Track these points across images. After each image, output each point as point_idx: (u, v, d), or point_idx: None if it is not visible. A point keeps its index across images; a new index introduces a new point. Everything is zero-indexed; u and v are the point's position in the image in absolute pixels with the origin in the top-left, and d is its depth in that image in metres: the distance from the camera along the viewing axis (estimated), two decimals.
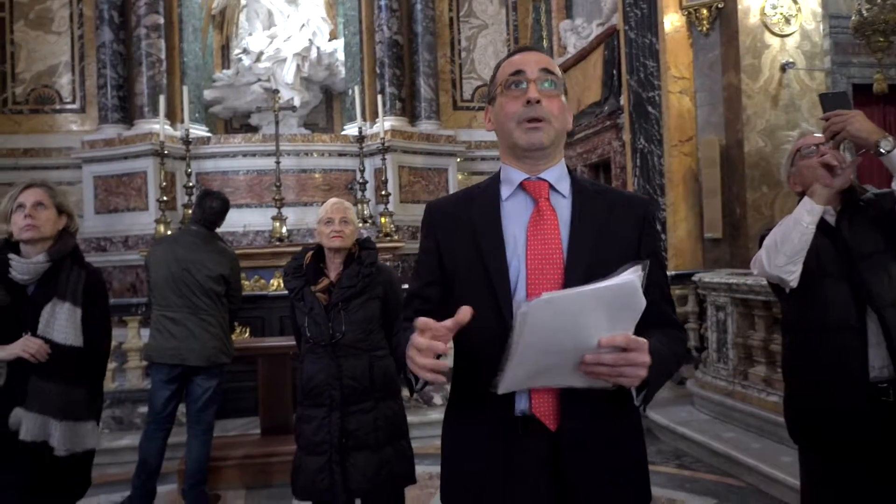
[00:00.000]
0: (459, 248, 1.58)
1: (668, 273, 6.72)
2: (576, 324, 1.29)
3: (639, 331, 1.40)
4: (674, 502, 4.18)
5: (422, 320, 1.37)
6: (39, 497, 2.45)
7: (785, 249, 2.24)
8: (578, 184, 1.61)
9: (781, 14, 6.61)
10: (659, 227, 1.67)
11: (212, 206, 4.36)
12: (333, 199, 3.02)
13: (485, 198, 1.61)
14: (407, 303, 1.69)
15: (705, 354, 5.93)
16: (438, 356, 1.37)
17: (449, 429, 1.66)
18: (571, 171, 1.64)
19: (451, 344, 1.41)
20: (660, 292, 1.57)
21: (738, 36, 6.56)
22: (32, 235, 2.45)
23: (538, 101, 1.52)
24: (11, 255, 2.46)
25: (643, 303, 1.32)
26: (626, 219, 1.57)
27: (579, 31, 9.24)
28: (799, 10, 6.65)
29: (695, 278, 6.08)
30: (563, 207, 1.56)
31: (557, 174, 1.59)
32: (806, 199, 2.25)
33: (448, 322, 1.36)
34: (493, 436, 1.52)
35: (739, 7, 6.56)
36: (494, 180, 1.64)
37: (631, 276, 1.30)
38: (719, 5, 6.74)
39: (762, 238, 2.42)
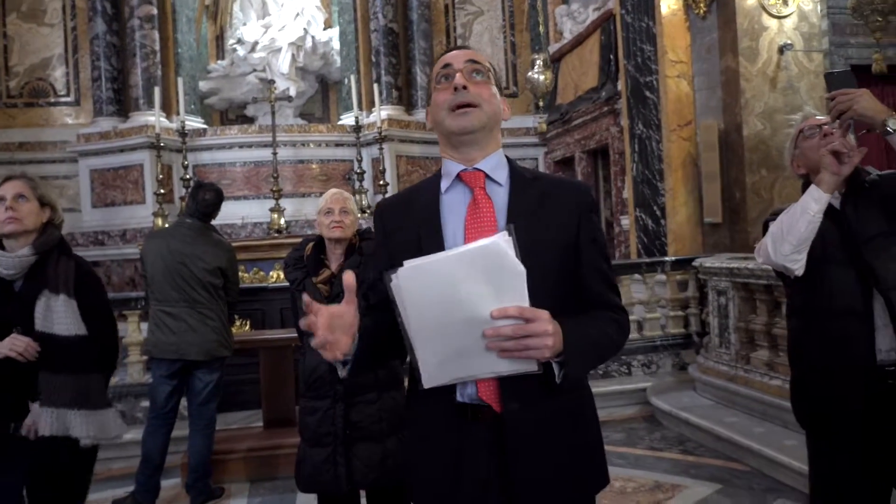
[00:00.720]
0: (403, 242, 1.62)
1: (668, 258, 6.74)
2: (456, 293, 1.31)
3: (576, 314, 1.50)
4: (678, 488, 4.18)
5: (304, 297, 1.44)
6: (42, 496, 2.43)
7: (790, 238, 2.22)
8: (515, 172, 1.64)
9: None
10: (598, 217, 1.68)
11: (205, 198, 4.34)
12: (333, 190, 2.99)
13: (427, 192, 1.67)
14: (364, 295, 1.73)
15: (707, 339, 5.92)
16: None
17: (408, 425, 1.74)
18: (510, 161, 1.68)
19: None
20: (600, 276, 1.62)
21: (735, 18, 6.50)
22: (15, 228, 2.39)
23: (465, 87, 1.57)
24: None
25: (520, 269, 1.33)
26: (562, 204, 1.60)
27: (575, 15, 9.19)
28: None
29: (695, 263, 6.07)
30: (499, 196, 1.59)
31: (493, 163, 1.63)
32: (812, 187, 2.22)
33: (339, 306, 1.44)
34: (443, 425, 1.57)
35: None
36: (437, 175, 1.69)
37: (494, 238, 1.31)
38: None
39: (766, 224, 2.40)
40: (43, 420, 2.34)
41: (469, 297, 1.31)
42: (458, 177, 1.62)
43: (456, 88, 1.57)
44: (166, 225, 7.76)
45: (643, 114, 7.35)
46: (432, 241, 1.56)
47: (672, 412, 5.39)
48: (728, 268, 5.37)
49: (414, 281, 1.32)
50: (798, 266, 2.24)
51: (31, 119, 9.53)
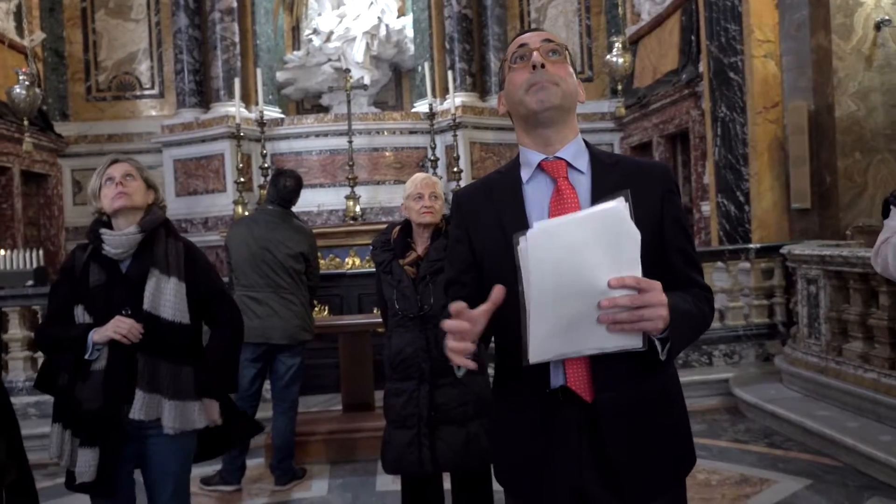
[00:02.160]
0: (486, 233, 1.62)
1: (753, 246, 6.51)
2: (579, 258, 1.29)
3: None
4: (766, 482, 4.04)
5: (455, 304, 1.41)
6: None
7: None
8: (596, 158, 1.62)
9: None
10: (681, 197, 1.62)
11: (286, 184, 4.42)
12: (421, 175, 3.00)
13: (506, 182, 1.65)
14: (445, 291, 1.73)
15: (794, 329, 5.70)
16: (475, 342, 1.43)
17: (495, 409, 1.75)
18: (590, 146, 1.65)
19: None
20: (683, 257, 1.61)
21: None
22: (124, 203, 2.42)
23: (542, 66, 1.55)
24: (104, 230, 2.44)
25: (636, 234, 1.31)
26: (645, 187, 1.57)
27: None
28: None
29: (783, 251, 5.83)
30: (582, 184, 1.58)
31: (574, 151, 1.60)
32: None
33: (484, 305, 1.42)
34: (532, 410, 1.58)
35: None
36: (514, 164, 1.67)
37: (614, 203, 1.31)
38: None
39: (886, 204, 2.25)
40: (136, 403, 2.35)
41: (590, 263, 1.30)
42: (540, 166, 1.60)
43: (535, 67, 1.55)
44: (246, 213, 7.96)
45: (727, 96, 7.10)
46: (518, 230, 1.53)
47: (758, 404, 5.21)
48: (820, 255, 5.14)
49: (542, 243, 1.30)
50: None
51: (118, 112, 9.92)
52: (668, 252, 1.59)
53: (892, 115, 6.19)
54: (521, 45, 1.60)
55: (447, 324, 1.41)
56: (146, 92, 9.99)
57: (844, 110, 6.18)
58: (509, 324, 1.50)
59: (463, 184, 8.66)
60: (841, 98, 6.17)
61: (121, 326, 2.34)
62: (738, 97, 6.97)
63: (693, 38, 7.84)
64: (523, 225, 1.53)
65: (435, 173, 8.58)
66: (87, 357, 2.38)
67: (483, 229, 1.63)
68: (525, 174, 1.61)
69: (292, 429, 4.42)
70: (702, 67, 7.52)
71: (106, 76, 9.92)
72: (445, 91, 8.95)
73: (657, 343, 1.44)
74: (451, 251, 1.75)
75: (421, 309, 2.84)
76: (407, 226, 2.96)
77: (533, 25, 10.29)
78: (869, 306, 4.79)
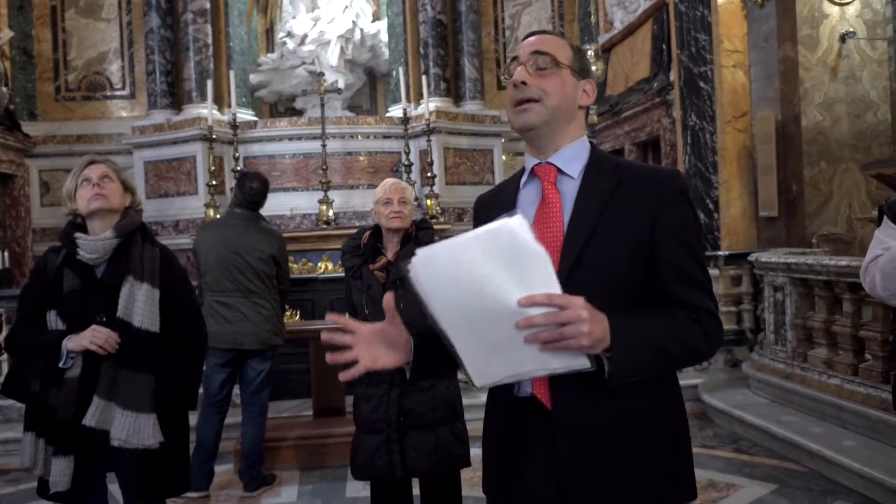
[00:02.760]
0: None
1: (722, 253, 6.59)
2: (476, 280, 1.24)
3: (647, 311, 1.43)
4: (733, 487, 4.10)
5: (343, 320, 1.55)
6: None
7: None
8: (594, 162, 1.57)
9: None
10: (691, 206, 1.58)
11: (252, 186, 4.36)
12: (391, 180, 3.01)
13: (509, 186, 1.66)
14: None
15: (761, 336, 5.79)
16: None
17: (486, 413, 1.70)
18: (594, 150, 1.60)
19: None
20: (675, 273, 1.48)
21: (794, 6, 6.31)
22: (101, 205, 2.37)
23: (523, 83, 1.52)
24: (78, 234, 2.38)
25: (540, 251, 1.23)
26: (637, 195, 1.50)
27: (626, 5, 9.03)
28: None
29: (751, 258, 5.93)
30: (570, 190, 1.54)
31: (568, 156, 1.57)
32: None
33: (376, 326, 1.50)
34: (503, 416, 1.57)
35: None
36: (523, 168, 1.66)
37: (503, 220, 1.23)
38: None
39: (881, 211, 2.24)
40: (90, 409, 2.28)
41: (489, 283, 1.24)
42: (533, 171, 1.59)
43: (515, 85, 1.53)
44: (218, 216, 7.89)
45: (697, 105, 7.20)
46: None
47: (725, 410, 5.28)
48: (786, 263, 5.23)
49: (429, 268, 1.26)
50: None
51: (88, 112, 9.77)
52: (660, 269, 1.48)
53: (856, 125, 6.33)
54: (514, 58, 1.58)
55: (325, 336, 1.53)
56: (117, 92, 9.86)
57: (810, 120, 6.30)
58: None
59: (437, 189, 8.69)
60: (807, 108, 6.30)
61: (97, 336, 2.28)
62: (707, 106, 7.07)
63: (664, 47, 7.94)
64: None
65: (409, 178, 8.58)
66: (60, 365, 2.32)
67: None
68: (523, 179, 1.62)
69: (262, 434, 4.39)
70: (673, 76, 7.62)
71: (76, 76, 9.77)
72: (420, 96, 8.96)
73: (605, 362, 1.34)
74: None
75: None
76: (377, 231, 2.96)
77: (507, 32, 10.35)
78: (833, 313, 4.88)
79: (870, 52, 6.39)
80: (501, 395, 1.56)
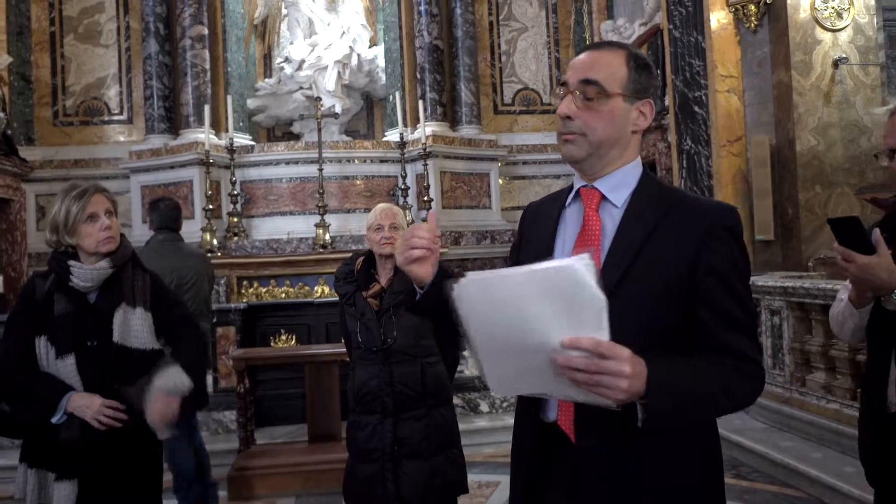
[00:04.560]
0: (531, 247, 1.60)
1: None
2: (520, 313, 1.21)
3: (686, 356, 1.38)
4: None
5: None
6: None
7: (844, 334, 2.31)
8: (641, 191, 1.51)
9: (833, 8, 6.42)
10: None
11: (168, 205, 4.33)
12: (383, 205, 2.98)
13: (556, 202, 1.62)
14: None
15: None
16: None
17: (514, 434, 1.65)
18: (645, 176, 1.53)
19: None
20: (715, 315, 1.41)
21: (787, 32, 6.38)
22: (112, 248, 2.38)
23: (568, 117, 1.48)
24: (72, 262, 2.36)
25: (599, 297, 1.19)
26: (680, 231, 1.44)
27: (621, 31, 9.11)
28: (851, 3, 6.44)
29: None
30: (612, 218, 1.49)
31: (614, 182, 1.51)
32: (847, 303, 2.21)
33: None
34: (531, 441, 1.50)
35: (789, 2, 6.37)
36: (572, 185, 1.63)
37: (571, 261, 1.19)
38: (767, 1, 6.57)
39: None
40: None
41: (539, 319, 1.21)
42: (578, 192, 1.55)
43: (560, 117, 1.49)
44: (215, 241, 7.90)
45: (692, 129, 7.24)
46: (542, 255, 1.49)
47: (723, 434, 5.18)
48: (782, 287, 5.22)
49: (477, 294, 1.23)
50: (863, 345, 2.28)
51: (85, 137, 9.79)
52: (699, 310, 1.41)
53: (850, 149, 6.36)
54: (563, 83, 1.52)
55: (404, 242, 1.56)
56: (114, 117, 9.89)
57: (805, 145, 6.33)
58: None
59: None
60: (801, 133, 6.33)
61: (104, 412, 2.26)
62: (702, 130, 7.10)
63: (659, 72, 7.99)
64: (547, 250, 1.52)
65: (405, 202, 8.60)
66: (53, 421, 2.28)
67: (530, 245, 1.62)
68: (569, 197, 1.58)
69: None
70: (668, 101, 7.66)
71: (73, 101, 9.81)
72: (416, 120, 9.00)
73: (638, 406, 1.29)
74: (509, 258, 1.75)
75: (384, 342, 2.82)
76: (370, 257, 2.94)
77: (503, 58, 10.42)
78: (831, 337, 4.86)
79: (863, 77, 6.44)
80: (527, 417, 1.52)
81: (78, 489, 2.27)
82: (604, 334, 1.22)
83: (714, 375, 1.37)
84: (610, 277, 1.39)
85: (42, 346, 2.33)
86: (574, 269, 1.18)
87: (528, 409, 1.50)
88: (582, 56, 1.53)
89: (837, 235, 2.06)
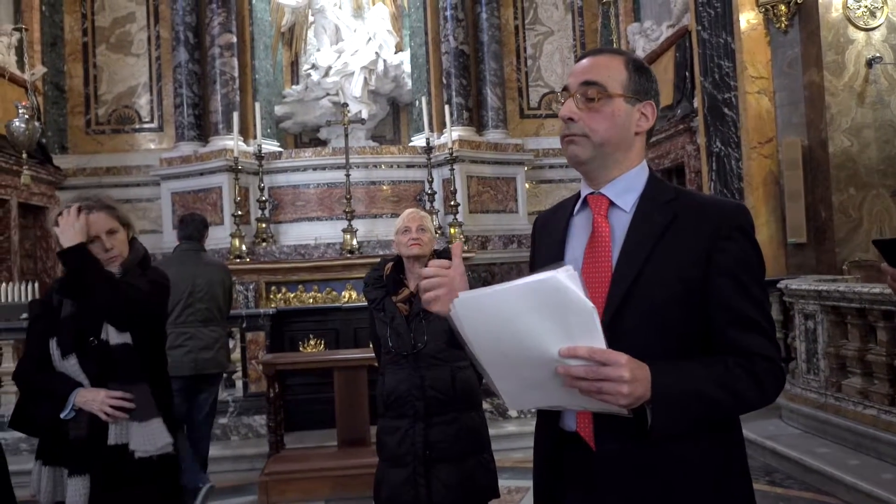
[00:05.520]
0: (542, 258, 1.59)
1: None
2: (516, 327, 1.23)
3: (694, 358, 1.37)
4: None
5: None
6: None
7: None
8: (649, 194, 1.50)
9: (866, 7, 6.32)
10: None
11: (195, 220, 4.79)
12: (409, 209, 3.02)
13: (564, 210, 1.61)
14: None
15: (793, 365, 5.67)
16: None
17: (535, 443, 1.64)
18: (651, 178, 1.52)
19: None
20: (728, 315, 1.40)
21: (819, 31, 6.29)
22: (117, 264, 2.44)
23: (570, 119, 1.48)
24: None
25: (588, 306, 1.20)
26: (690, 231, 1.43)
27: (648, 33, 9.05)
28: (885, 1, 6.33)
29: (780, 285, 5.82)
30: (621, 223, 1.48)
31: (622, 187, 1.50)
32: None
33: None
34: (552, 450, 1.50)
35: (820, 1, 6.29)
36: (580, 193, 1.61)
37: (552, 273, 1.21)
38: (798, 0, 6.48)
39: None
40: (110, 429, 2.33)
41: (535, 332, 1.23)
42: (585, 200, 1.55)
43: (563, 119, 1.49)
44: (243, 246, 7.98)
45: (721, 131, 7.16)
46: (553, 263, 1.49)
47: (757, 440, 5.15)
48: (816, 290, 5.13)
49: (471, 311, 1.27)
50: None
51: (117, 145, 9.96)
52: (712, 311, 1.41)
53: (885, 150, 6.24)
54: (565, 87, 1.52)
55: (428, 271, 1.51)
56: (145, 125, 10.04)
57: (838, 146, 6.23)
58: None
59: (460, 217, 8.69)
60: (834, 134, 6.23)
61: (109, 403, 2.30)
62: (732, 132, 7.02)
63: (687, 74, 7.92)
64: (558, 258, 1.49)
65: (432, 207, 8.61)
66: (62, 416, 2.34)
67: (541, 256, 1.62)
68: (577, 205, 1.57)
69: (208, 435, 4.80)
70: (696, 103, 7.59)
71: (105, 109, 9.98)
72: (443, 125, 9.02)
73: (647, 411, 1.30)
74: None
75: (414, 347, 2.82)
76: (399, 262, 2.95)
77: (529, 62, 10.41)
78: (867, 342, 4.77)
79: None
80: (547, 426, 1.52)
81: (90, 484, 2.32)
82: (598, 341, 1.23)
83: (720, 376, 1.36)
84: (622, 283, 1.40)
85: (53, 347, 2.42)
86: (557, 280, 1.20)
87: (548, 418, 1.50)
88: (582, 61, 1.54)
89: (886, 256, 2.01)
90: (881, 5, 6.32)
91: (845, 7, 6.28)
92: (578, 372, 1.23)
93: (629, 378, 1.23)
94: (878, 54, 6.26)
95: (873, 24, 6.31)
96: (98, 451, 2.33)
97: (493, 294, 1.25)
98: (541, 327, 1.23)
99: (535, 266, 1.64)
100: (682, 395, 1.31)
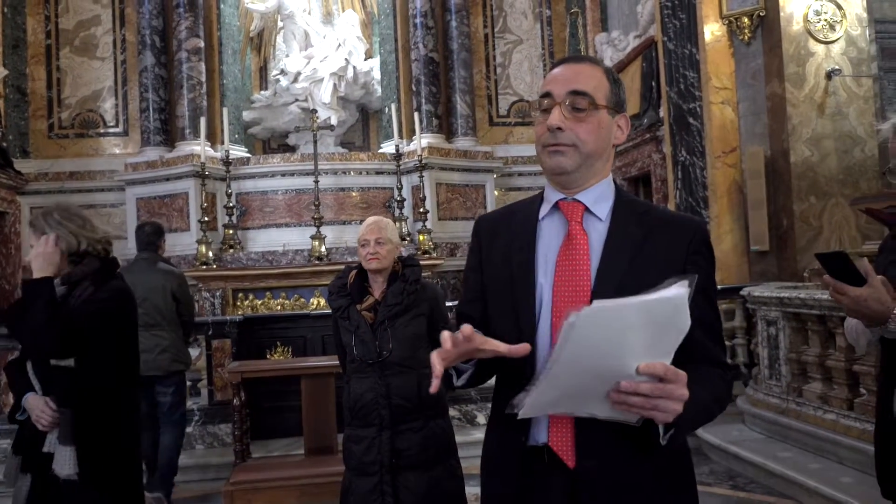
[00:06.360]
0: (495, 262, 1.56)
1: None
2: (621, 341, 1.20)
3: (678, 367, 1.34)
4: None
5: (465, 327, 1.33)
6: None
7: (859, 349, 2.37)
8: (621, 205, 1.52)
9: (825, 20, 6.47)
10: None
11: (146, 231, 4.92)
12: (371, 219, 2.97)
13: (526, 213, 1.58)
14: (457, 322, 1.62)
15: (756, 371, 5.76)
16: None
17: (485, 448, 1.61)
18: (619, 191, 1.55)
19: None
20: (705, 329, 1.44)
21: (781, 44, 6.43)
22: (49, 273, 2.42)
23: (559, 129, 1.46)
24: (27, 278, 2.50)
25: (688, 323, 1.22)
26: (667, 246, 1.47)
27: (616, 43, 9.17)
28: (843, 15, 6.50)
29: (743, 292, 5.92)
30: (597, 232, 1.49)
31: (596, 195, 1.51)
32: (858, 323, 2.21)
33: (501, 346, 1.33)
34: (517, 463, 1.46)
35: (782, 15, 6.44)
36: (538, 197, 1.59)
37: (680, 290, 1.21)
38: (761, 13, 6.62)
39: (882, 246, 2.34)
40: (47, 438, 2.43)
41: (627, 346, 1.20)
42: (557, 205, 1.53)
43: (550, 128, 1.46)
44: (210, 252, 7.88)
45: (686, 140, 7.27)
46: (522, 271, 1.49)
47: (720, 445, 5.23)
48: (778, 297, 5.22)
49: (592, 322, 1.18)
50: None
51: (80, 149, 9.79)
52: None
53: (844, 160, 6.40)
54: (546, 95, 1.49)
55: (446, 335, 1.34)
56: (110, 130, 9.89)
57: (799, 156, 6.37)
58: (500, 365, 1.45)
59: (429, 224, 8.69)
60: (795, 144, 6.37)
61: (44, 415, 2.36)
62: (697, 142, 7.14)
63: (654, 84, 8.03)
64: (529, 263, 1.48)
65: (401, 214, 8.61)
66: (17, 416, 2.48)
67: (493, 260, 1.57)
68: (543, 210, 1.55)
69: (176, 446, 4.83)
70: (662, 112, 7.70)
71: (69, 113, 9.81)
72: (412, 132, 9.03)
73: (660, 427, 1.31)
74: (466, 279, 1.67)
75: (380, 355, 2.81)
76: (363, 270, 2.94)
77: (498, 69, 10.47)
78: (827, 348, 4.86)
79: (856, 89, 6.48)
80: (507, 439, 1.48)
81: (30, 484, 2.41)
82: (668, 359, 1.24)
83: (713, 387, 1.43)
84: (605, 293, 1.39)
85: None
86: (682, 298, 1.20)
87: (507, 430, 1.46)
88: (562, 69, 1.52)
89: (827, 269, 2.07)
90: (840, 19, 6.49)
91: (806, 20, 6.44)
92: (644, 389, 1.21)
93: (688, 397, 1.25)
94: (837, 66, 6.42)
95: (832, 37, 6.47)
96: (35, 456, 2.42)
97: (620, 308, 1.19)
98: (637, 342, 1.20)
99: (485, 271, 1.59)
100: (697, 410, 1.34)
